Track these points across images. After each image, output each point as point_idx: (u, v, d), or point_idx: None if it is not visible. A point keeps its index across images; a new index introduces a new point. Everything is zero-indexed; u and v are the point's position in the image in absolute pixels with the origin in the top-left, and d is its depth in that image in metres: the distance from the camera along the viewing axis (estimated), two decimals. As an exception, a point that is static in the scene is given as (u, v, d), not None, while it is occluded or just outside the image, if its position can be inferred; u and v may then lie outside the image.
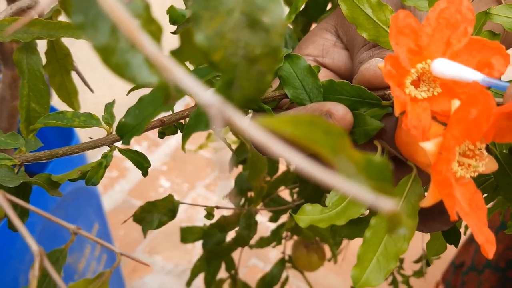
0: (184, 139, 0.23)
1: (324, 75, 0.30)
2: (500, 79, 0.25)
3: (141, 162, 0.28)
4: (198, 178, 1.69)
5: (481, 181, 0.29)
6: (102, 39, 0.12)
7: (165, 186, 1.65)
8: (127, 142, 0.24)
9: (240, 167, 0.72)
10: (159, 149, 1.80)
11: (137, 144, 1.69)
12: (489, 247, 0.22)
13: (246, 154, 0.71)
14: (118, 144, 0.29)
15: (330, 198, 0.26)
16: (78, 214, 0.88)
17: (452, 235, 0.29)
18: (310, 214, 0.25)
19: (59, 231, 0.80)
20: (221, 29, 0.12)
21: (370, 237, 0.24)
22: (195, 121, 0.22)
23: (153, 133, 1.57)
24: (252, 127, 0.08)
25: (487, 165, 0.24)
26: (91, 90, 0.43)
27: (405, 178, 0.26)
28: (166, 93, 0.13)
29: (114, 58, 0.12)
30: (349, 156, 0.11)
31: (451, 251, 1.00)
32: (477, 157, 0.23)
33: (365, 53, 0.29)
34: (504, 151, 0.27)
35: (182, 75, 0.09)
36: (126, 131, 0.24)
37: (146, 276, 1.37)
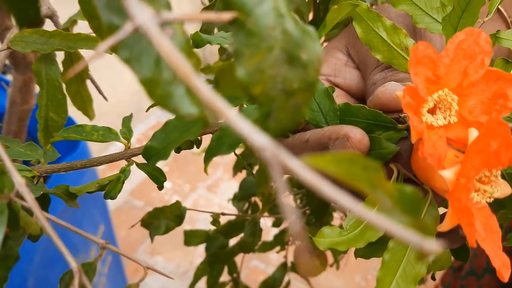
0: (206, 162, 0.24)
1: (336, 95, 0.31)
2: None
3: (157, 176, 0.28)
4: (199, 179, 1.70)
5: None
6: (147, 72, 0.13)
7: (167, 187, 1.66)
8: (152, 165, 0.25)
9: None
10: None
11: (139, 144, 1.70)
12: (505, 272, 0.23)
13: (251, 159, 0.71)
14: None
15: (347, 221, 0.26)
16: (84, 216, 0.89)
17: (461, 252, 0.30)
18: (329, 237, 0.26)
19: (65, 236, 0.81)
20: (261, 65, 0.13)
21: (389, 260, 0.25)
22: (217, 143, 0.23)
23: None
24: (301, 168, 0.09)
25: (502, 190, 0.24)
26: (105, 99, 0.43)
27: (421, 201, 0.26)
28: (205, 123, 0.13)
29: (158, 90, 0.13)
30: (385, 189, 0.12)
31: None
32: (492, 183, 0.24)
33: (378, 74, 0.29)
34: (510, 171, 0.28)
35: (236, 118, 0.09)
36: (152, 154, 0.25)
37: (148, 276, 1.38)
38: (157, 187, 0.29)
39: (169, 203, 0.47)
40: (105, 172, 1.54)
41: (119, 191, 0.28)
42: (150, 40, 0.11)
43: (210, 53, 1.91)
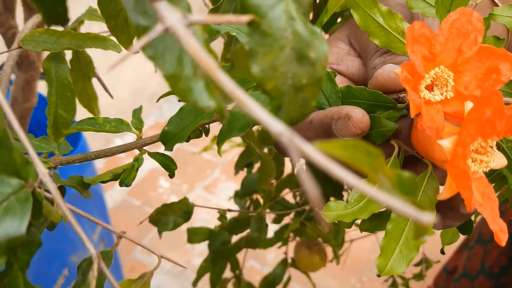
0: (219, 145, 0.25)
1: (339, 81, 0.32)
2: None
3: (168, 164, 0.30)
4: (197, 179, 1.71)
5: (489, 172, 0.30)
6: (169, 68, 0.14)
7: (165, 187, 1.67)
8: (169, 149, 0.26)
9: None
10: (159, 150, 1.82)
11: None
12: (502, 236, 0.24)
13: (252, 158, 0.73)
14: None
15: (352, 195, 0.27)
16: (84, 213, 0.90)
17: (464, 226, 0.31)
18: (335, 210, 0.27)
19: (64, 234, 0.82)
20: (274, 63, 0.14)
21: (392, 229, 0.26)
22: (228, 127, 0.24)
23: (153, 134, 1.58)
24: (314, 152, 0.10)
25: (497, 160, 0.26)
26: (111, 96, 0.44)
27: (421, 174, 0.28)
28: (222, 114, 0.15)
29: (180, 84, 0.14)
30: (385, 173, 0.13)
31: (446, 256, 1.02)
32: (488, 154, 0.25)
33: (378, 59, 0.30)
34: (509, 144, 0.29)
35: (256, 108, 0.11)
36: (169, 138, 0.26)
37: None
38: (168, 175, 0.30)
39: (167, 203, 0.48)
40: (102, 171, 1.55)
41: (133, 178, 0.29)
42: (178, 39, 0.12)
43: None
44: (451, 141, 0.24)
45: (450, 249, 0.97)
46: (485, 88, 0.25)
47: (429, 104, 0.26)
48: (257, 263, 1.42)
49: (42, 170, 0.18)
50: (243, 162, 0.70)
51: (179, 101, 0.19)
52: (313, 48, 0.14)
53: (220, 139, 0.25)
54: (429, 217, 0.10)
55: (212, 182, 1.72)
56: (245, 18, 0.13)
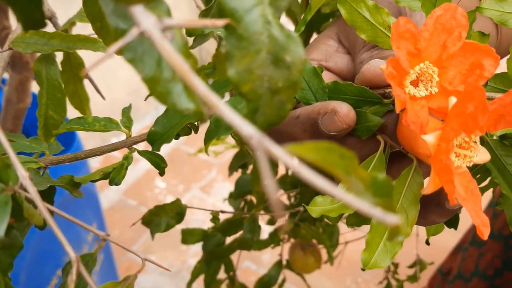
0: (206, 144, 0.25)
1: (328, 78, 0.32)
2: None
3: (158, 163, 0.30)
4: (194, 179, 1.71)
5: (473, 165, 0.30)
6: (149, 71, 0.14)
7: (161, 187, 1.67)
8: (157, 149, 0.26)
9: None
10: (151, 148, 1.81)
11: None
12: (484, 230, 0.24)
13: (246, 159, 0.73)
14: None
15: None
16: (77, 214, 0.90)
17: (451, 219, 0.31)
18: (321, 205, 0.27)
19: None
20: (250, 66, 0.14)
21: (377, 224, 0.27)
22: (215, 126, 0.25)
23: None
24: (284, 155, 0.11)
25: (480, 155, 0.26)
26: (103, 97, 0.44)
27: (406, 169, 0.28)
28: (201, 117, 0.15)
29: (159, 87, 0.14)
30: (359, 175, 0.13)
31: (441, 257, 1.02)
32: (472, 148, 0.26)
33: (365, 53, 0.31)
34: (494, 138, 0.30)
35: (227, 111, 0.11)
36: (156, 139, 0.26)
37: (140, 275, 1.38)
38: (159, 173, 0.30)
39: (163, 203, 0.48)
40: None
41: (123, 177, 0.29)
42: (153, 43, 0.12)
43: (206, 53, 1.93)
44: (435, 136, 0.25)
45: (445, 251, 0.97)
46: (468, 84, 0.25)
47: (414, 99, 0.26)
48: (253, 264, 1.42)
49: (22, 173, 0.18)
50: (237, 163, 0.70)
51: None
52: (289, 52, 0.15)
53: (207, 138, 0.25)
54: (394, 219, 0.10)
55: (209, 182, 1.72)
56: (221, 22, 0.13)
